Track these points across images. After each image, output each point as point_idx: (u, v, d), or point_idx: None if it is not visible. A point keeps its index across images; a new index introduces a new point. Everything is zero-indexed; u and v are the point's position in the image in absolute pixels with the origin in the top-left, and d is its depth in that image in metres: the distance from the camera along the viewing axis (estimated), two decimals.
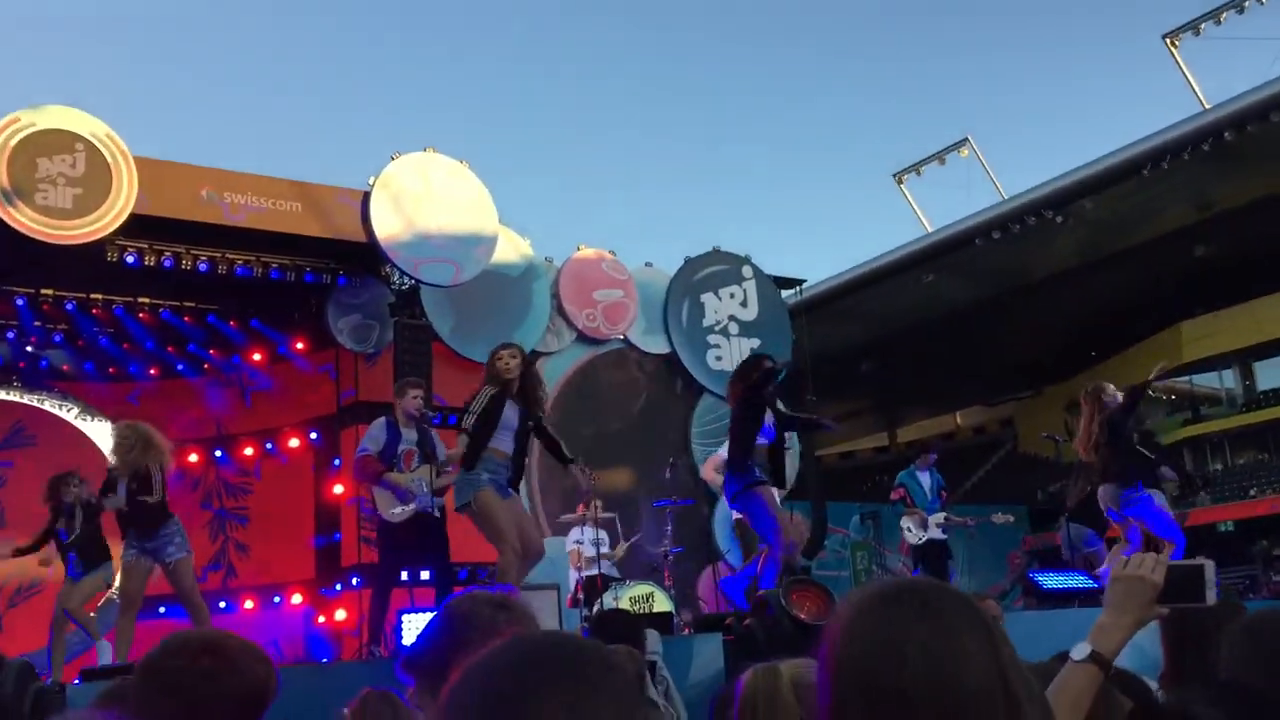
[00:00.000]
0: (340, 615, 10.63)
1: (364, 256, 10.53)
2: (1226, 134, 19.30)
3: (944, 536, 9.78)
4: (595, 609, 7.44)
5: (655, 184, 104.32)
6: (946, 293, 24.17)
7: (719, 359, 12.78)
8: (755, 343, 12.92)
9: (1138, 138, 20.43)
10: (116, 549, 7.23)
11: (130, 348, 11.40)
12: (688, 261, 13.12)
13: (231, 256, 10.26)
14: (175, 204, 9.63)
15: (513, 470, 6.08)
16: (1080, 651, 1.64)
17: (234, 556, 11.78)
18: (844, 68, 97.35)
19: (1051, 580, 7.73)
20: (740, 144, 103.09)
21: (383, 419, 6.91)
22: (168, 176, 9.69)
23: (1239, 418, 28.74)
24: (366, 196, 10.10)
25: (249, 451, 11.93)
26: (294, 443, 11.71)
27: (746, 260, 13.42)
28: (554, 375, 11.82)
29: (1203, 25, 21.28)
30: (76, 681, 5.82)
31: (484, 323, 11.08)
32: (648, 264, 13.10)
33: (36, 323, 10.78)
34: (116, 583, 7.78)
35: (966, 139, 25.54)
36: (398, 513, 6.60)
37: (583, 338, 12.24)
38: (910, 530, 9.80)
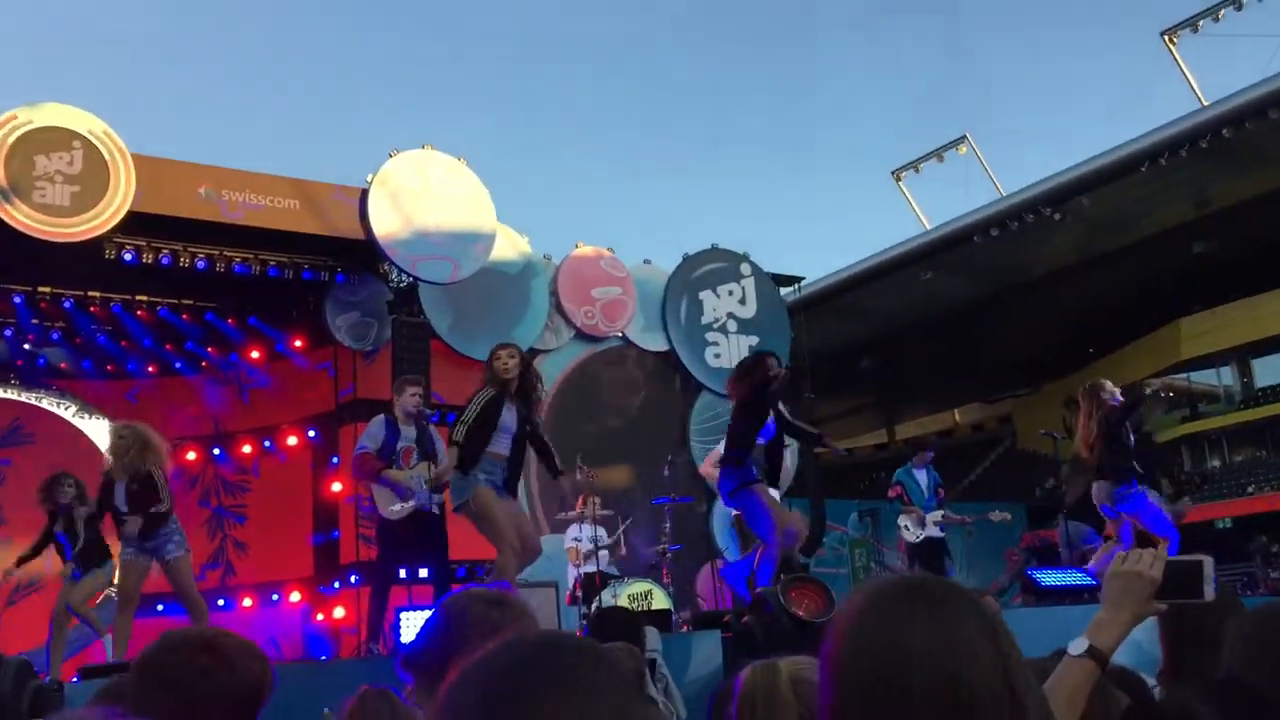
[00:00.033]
0: (339, 613, 10.64)
1: (362, 254, 10.52)
2: (1225, 131, 19.30)
3: (941, 534, 9.79)
4: (594, 606, 7.44)
5: (654, 181, 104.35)
6: (945, 290, 24.19)
7: (717, 356, 12.78)
8: (754, 340, 12.93)
9: (1136, 135, 20.45)
10: (116, 546, 7.25)
11: (128, 345, 11.40)
12: (686, 259, 13.12)
13: (229, 254, 10.25)
14: (173, 201, 9.61)
15: (509, 471, 6.07)
16: (1078, 646, 1.64)
17: (232, 554, 11.77)
18: (843, 65, 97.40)
19: (1050, 577, 7.73)
20: (739, 142, 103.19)
21: (381, 416, 6.92)
22: (165, 174, 9.67)
23: (1237, 414, 28.77)
24: (364, 194, 10.09)
25: (247, 449, 11.92)
26: (292, 440, 11.71)
27: (745, 258, 13.42)
28: (552, 373, 11.82)
29: (1201, 22, 21.30)
30: (75, 679, 5.82)
31: (482, 320, 11.08)
32: (646, 261, 13.10)
33: (34, 320, 10.76)
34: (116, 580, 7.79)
35: (965, 136, 25.57)
36: (397, 510, 6.61)
37: (581, 335, 12.24)
38: (908, 528, 9.81)
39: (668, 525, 9.31)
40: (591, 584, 8.11)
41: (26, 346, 11.26)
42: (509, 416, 6.00)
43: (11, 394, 11.52)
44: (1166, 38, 21.78)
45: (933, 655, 1.14)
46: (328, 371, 11.45)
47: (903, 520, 9.90)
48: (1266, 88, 18.91)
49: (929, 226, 24.82)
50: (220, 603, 11.07)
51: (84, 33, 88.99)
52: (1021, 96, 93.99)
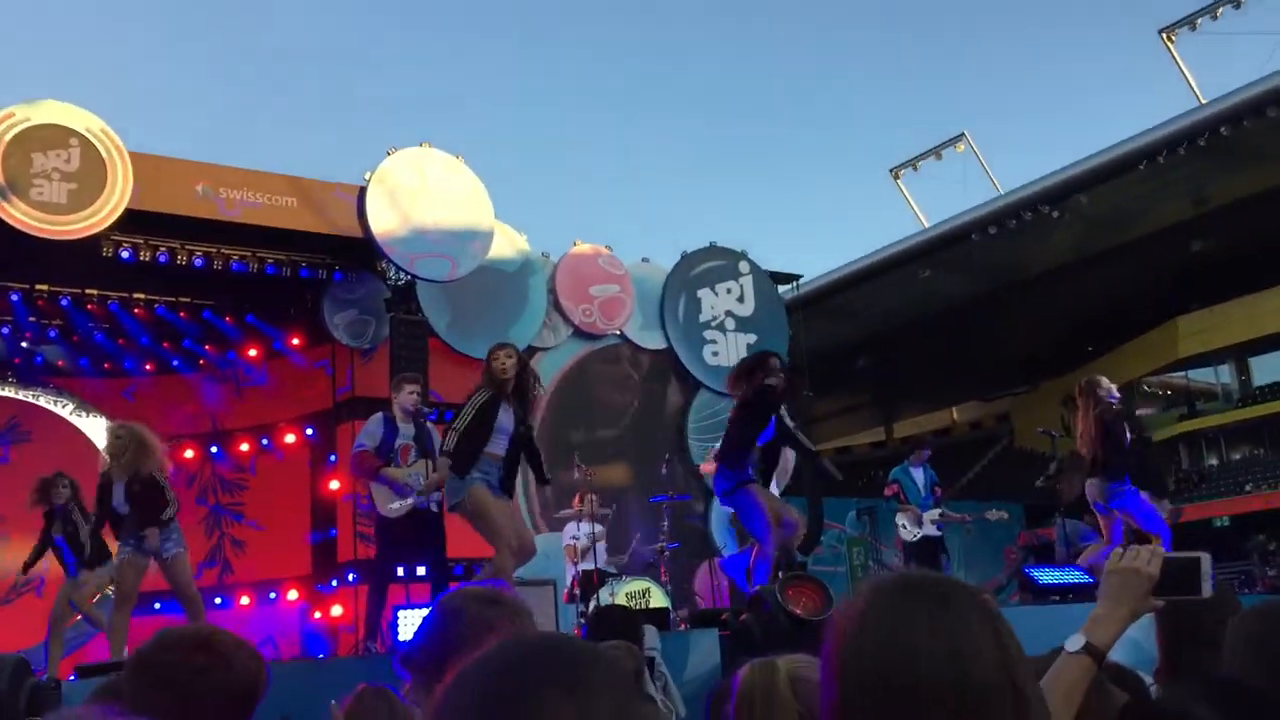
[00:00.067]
0: (336, 611, 10.63)
1: (360, 252, 10.52)
2: (1223, 129, 19.31)
3: (939, 533, 9.78)
4: (592, 604, 7.44)
5: (652, 180, 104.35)
6: (943, 288, 24.20)
7: (715, 354, 12.79)
8: (752, 338, 12.93)
9: (1134, 133, 20.45)
10: (114, 545, 7.24)
11: (125, 343, 11.39)
12: (684, 257, 13.12)
13: (227, 252, 10.24)
14: (170, 199, 9.60)
15: (505, 471, 6.07)
16: (1074, 643, 1.64)
17: (230, 552, 11.77)
18: (841, 63, 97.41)
19: (1047, 575, 7.72)
20: (737, 140, 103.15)
21: (379, 414, 6.92)
22: (163, 172, 9.66)
23: (1235, 413, 28.80)
24: (362, 192, 10.08)
25: (245, 447, 11.92)
26: (290, 438, 11.70)
27: (743, 256, 13.42)
28: (550, 371, 11.82)
29: (1199, 20, 21.31)
30: (72, 677, 5.82)
31: (480, 318, 11.08)
32: (644, 259, 13.10)
33: (31, 318, 10.75)
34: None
35: (963, 134, 25.57)
36: (395, 508, 6.61)
37: (579, 333, 12.24)
38: (905, 527, 9.80)
39: (665, 523, 9.31)
40: (589, 582, 8.10)
41: (24, 344, 11.25)
42: (505, 417, 6.00)
43: (9, 392, 11.51)
44: (1165, 36, 21.79)
45: (935, 652, 1.13)
46: (325, 369, 11.44)
47: (900, 519, 9.90)
48: (1264, 86, 18.91)
49: (927, 224, 24.83)
50: (218, 601, 11.07)
51: (81, 29, 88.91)
52: (1020, 95, 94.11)
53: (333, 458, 11.13)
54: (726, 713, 1.69)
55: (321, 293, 10.95)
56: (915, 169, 26.75)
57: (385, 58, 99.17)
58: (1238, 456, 29.05)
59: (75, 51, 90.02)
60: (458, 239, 10.48)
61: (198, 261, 10.11)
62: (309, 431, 11.60)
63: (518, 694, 0.95)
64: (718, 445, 8.00)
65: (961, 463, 30.85)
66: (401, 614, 6.38)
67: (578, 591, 8.24)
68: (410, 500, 6.58)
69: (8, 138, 8.67)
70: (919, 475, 9.87)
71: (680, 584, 10.18)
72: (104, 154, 9.01)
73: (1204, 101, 20.31)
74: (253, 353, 11.60)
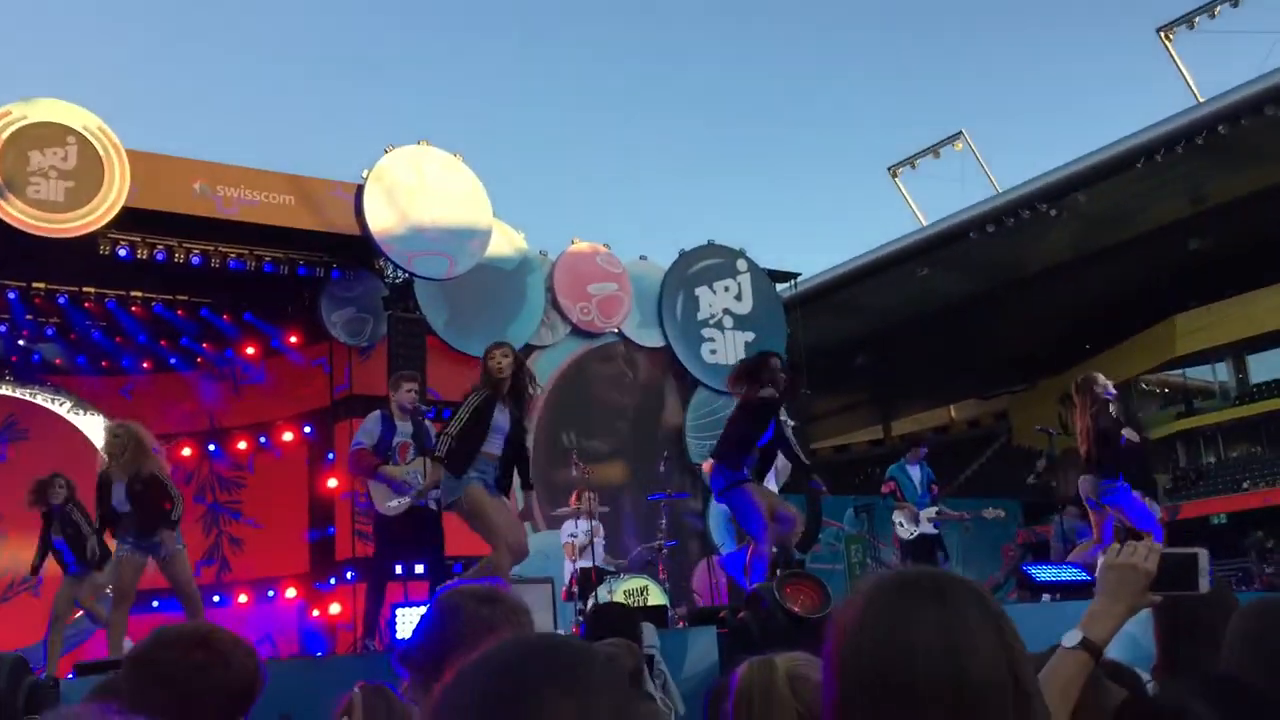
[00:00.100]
0: (334, 609, 10.63)
1: (357, 250, 10.51)
2: (1221, 127, 19.31)
3: (935, 531, 9.79)
4: (590, 602, 7.44)
5: (651, 179, 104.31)
6: (941, 286, 24.19)
7: (714, 352, 12.79)
8: (750, 336, 12.93)
9: (1132, 131, 20.45)
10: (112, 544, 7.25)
11: (123, 341, 11.38)
12: (682, 255, 13.12)
13: (224, 250, 10.23)
14: (168, 197, 9.59)
15: (500, 470, 6.06)
16: (1072, 638, 1.64)
17: (228, 550, 11.76)
18: (841, 63, 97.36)
19: (1045, 573, 7.74)
20: (735, 138, 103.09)
21: (377, 412, 6.92)
22: (160, 170, 9.65)
23: (1232, 411, 28.84)
24: (360, 189, 10.07)
25: (242, 445, 11.91)
26: (288, 436, 11.69)
27: (741, 254, 13.42)
28: (548, 369, 11.82)
29: (1197, 19, 21.30)
30: (70, 676, 5.81)
31: (478, 316, 11.08)
32: (642, 257, 13.10)
33: (29, 316, 10.74)
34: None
35: (961, 132, 25.55)
36: (393, 506, 6.61)
37: (577, 331, 12.24)
38: (901, 524, 9.81)
39: (663, 521, 9.31)
40: (587, 580, 8.10)
41: (21, 342, 11.24)
42: (501, 417, 6.00)
43: (6, 390, 11.50)
44: (1163, 34, 21.78)
45: (932, 649, 1.13)
46: (323, 367, 11.44)
47: (897, 516, 9.91)
48: (1262, 84, 18.91)
49: (925, 223, 24.82)
50: (216, 599, 11.06)
51: (79, 28, 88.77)
52: (1017, 93, 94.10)
53: (331, 456, 11.13)
54: (725, 710, 1.69)
55: (319, 291, 10.94)
56: (913, 167, 26.73)
57: (385, 58, 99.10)
58: (1235, 454, 29.09)
59: (75, 51, 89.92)
60: (456, 237, 10.47)
61: (195, 259, 10.09)
62: (307, 429, 11.59)
63: (517, 693, 0.95)
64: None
65: (960, 460, 30.88)
66: (400, 612, 6.37)
67: (576, 589, 8.25)
68: (408, 498, 6.58)
69: (5, 135, 8.66)
70: (915, 473, 9.88)
71: (678, 582, 10.19)
72: (101, 152, 9.00)
73: (1202, 100, 20.31)
74: (250, 351, 11.59)
